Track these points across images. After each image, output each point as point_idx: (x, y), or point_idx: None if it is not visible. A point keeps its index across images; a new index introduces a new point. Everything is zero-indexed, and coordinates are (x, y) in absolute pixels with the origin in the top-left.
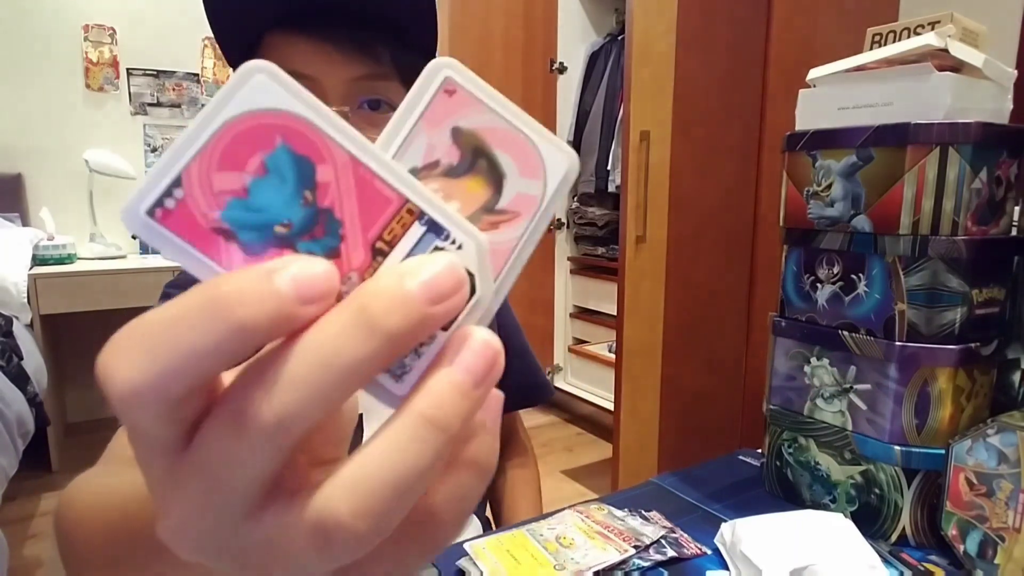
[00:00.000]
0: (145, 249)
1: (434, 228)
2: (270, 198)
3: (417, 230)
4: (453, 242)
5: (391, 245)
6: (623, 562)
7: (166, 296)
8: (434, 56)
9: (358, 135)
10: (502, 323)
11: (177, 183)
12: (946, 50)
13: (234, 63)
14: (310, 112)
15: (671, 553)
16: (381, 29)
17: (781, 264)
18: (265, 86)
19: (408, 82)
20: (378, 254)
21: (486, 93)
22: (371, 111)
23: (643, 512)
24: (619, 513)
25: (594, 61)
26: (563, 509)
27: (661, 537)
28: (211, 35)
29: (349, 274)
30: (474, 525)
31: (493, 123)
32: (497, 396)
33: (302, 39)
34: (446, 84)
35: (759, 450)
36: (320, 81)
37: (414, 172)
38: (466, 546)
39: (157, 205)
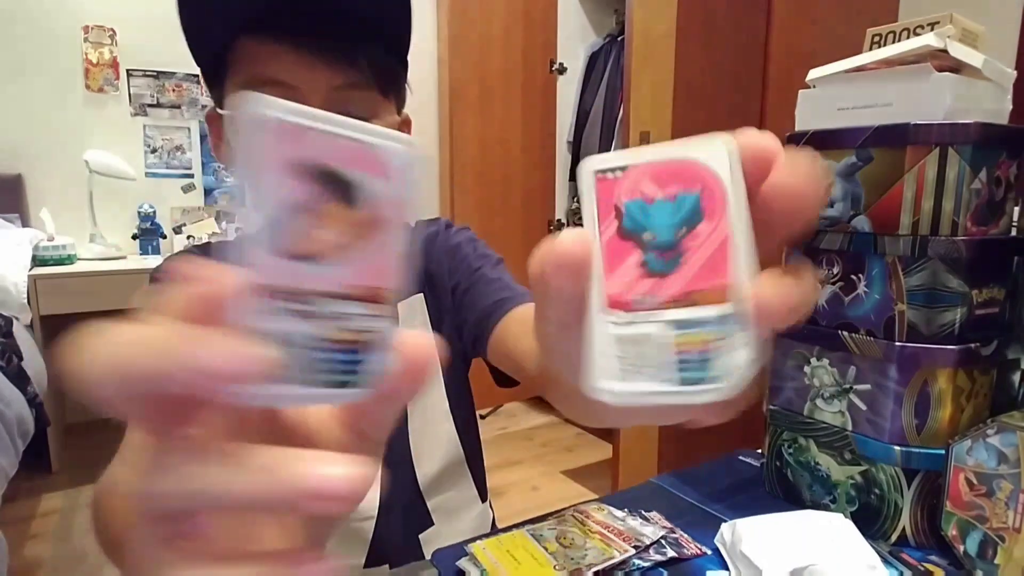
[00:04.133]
0: (145, 250)
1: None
2: (661, 215)
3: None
4: None
5: (681, 305)
6: (623, 562)
7: (154, 280)
8: (406, 59)
9: (747, 218)
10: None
11: (624, 168)
12: (946, 51)
13: (204, 67)
14: (731, 189)
15: (671, 553)
16: (359, 33)
17: (781, 264)
18: (722, 159)
19: (384, 89)
20: (679, 303)
21: (306, 116)
22: None
23: (643, 512)
24: (619, 513)
25: (594, 61)
26: (564, 509)
27: (661, 537)
28: None
29: (652, 295)
30: (478, 521)
31: (326, 142)
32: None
33: (278, 45)
34: (267, 124)
35: (759, 450)
36: (300, 90)
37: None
38: (466, 547)
39: (606, 171)
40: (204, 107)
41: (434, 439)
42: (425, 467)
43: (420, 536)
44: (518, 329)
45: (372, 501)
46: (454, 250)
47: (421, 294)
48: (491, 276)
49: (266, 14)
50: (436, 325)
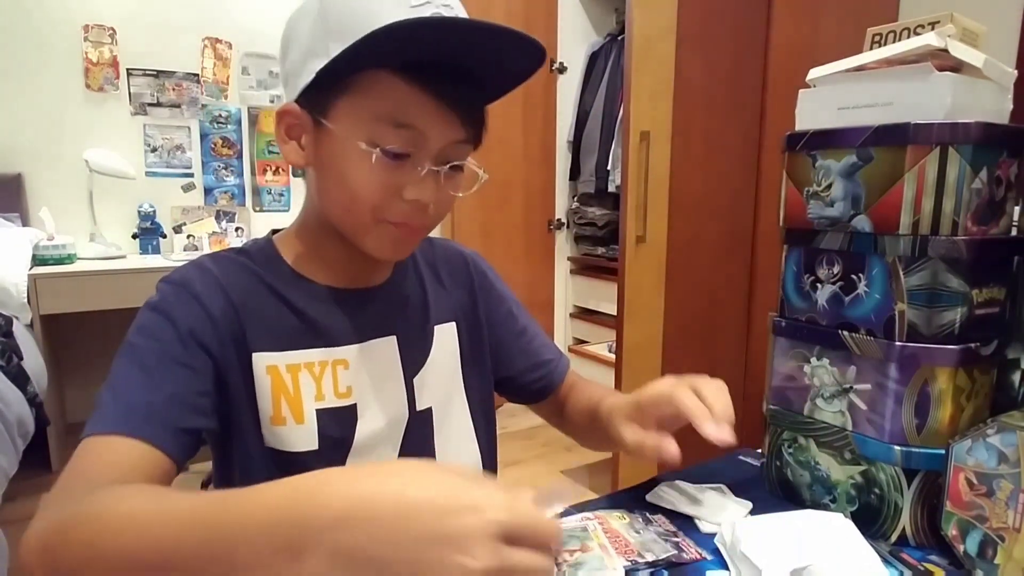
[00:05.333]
0: (145, 249)
1: None
2: None
3: None
4: None
5: None
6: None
7: (160, 292)
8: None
9: None
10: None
11: None
12: (946, 50)
13: (323, 76)
14: None
15: (672, 554)
16: (489, 95)
17: (781, 264)
18: None
19: (477, 142)
20: None
21: None
22: (452, 172)
23: (646, 515)
24: (638, 523)
25: (594, 61)
26: (581, 511)
27: (662, 539)
28: (211, 35)
29: None
30: None
31: None
32: None
33: (415, 88)
34: None
35: (759, 450)
36: (427, 136)
37: None
38: None
39: None
40: (204, 106)
41: (457, 457)
42: None
43: None
44: (567, 397)
45: None
46: (488, 284)
47: (454, 322)
48: (535, 327)
49: (422, 60)
50: (465, 352)
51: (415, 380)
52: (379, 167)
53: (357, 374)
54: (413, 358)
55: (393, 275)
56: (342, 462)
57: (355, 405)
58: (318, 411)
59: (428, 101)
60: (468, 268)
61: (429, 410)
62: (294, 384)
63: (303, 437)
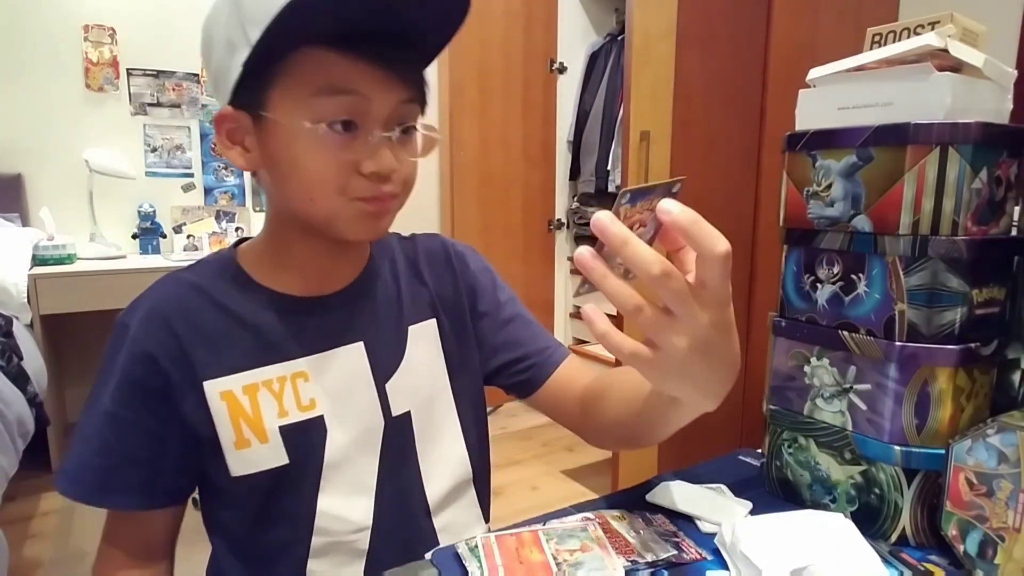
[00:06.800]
0: (145, 249)
1: None
2: None
3: None
4: None
5: None
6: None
7: (112, 334)
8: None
9: None
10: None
11: None
12: (946, 50)
13: (251, 68)
14: None
15: (672, 554)
16: (423, 53)
17: (781, 264)
18: None
19: (423, 103)
20: None
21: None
22: (403, 135)
23: (646, 515)
24: (639, 523)
25: (594, 61)
26: (581, 511)
27: (662, 539)
28: None
29: None
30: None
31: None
32: None
33: (355, 58)
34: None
35: (759, 450)
36: (375, 100)
37: None
38: (469, 542)
39: None
40: (204, 106)
41: (442, 459)
42: (435, 486)
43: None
44: (567, 386)
45: (366, 511)
46: (471, 275)
47: (434, 319)
48: (525, 317)
49: (350, 30)
50: (449, 349)
51: (388, 385)
52: (329, 143)
53: (320, 385)
54: (385, 362)
55: (363, 276)
56: (317, 475)
57: (322, 417)
58: (282, 427)
59: (363, 65)
60: (450, 260)
61: (407, 414)
62: (253, 405)
63: (270, 455)
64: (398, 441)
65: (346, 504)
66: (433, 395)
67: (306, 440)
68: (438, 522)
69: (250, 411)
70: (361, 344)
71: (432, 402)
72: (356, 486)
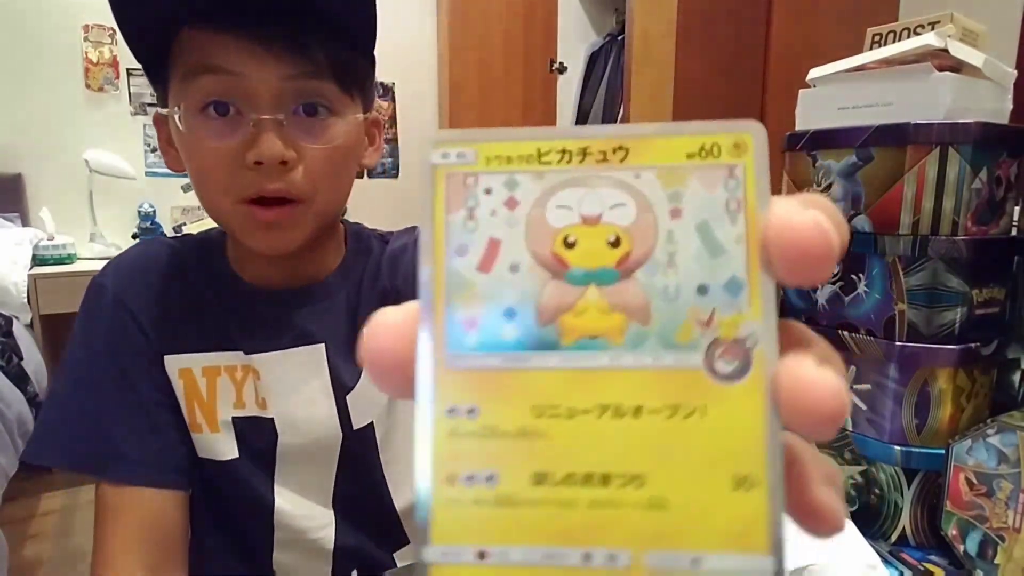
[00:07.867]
0: None
1: None
2: None
3: None
4: None
5: None
6: None
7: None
8: (372, 53)
9: None
10: None
11: None
12: (946, 50)
13: (143, 59)
14: None
15: None
16: (313, 25)
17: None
18: None
19: (344, 83)
20: None
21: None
22: (307, 116)
23: None
24: None
25: (594, 61)
26: None
27: None
28: None
29: None
30: None
31: None
32: None
33: (224, 33)
34: None
35: None
36: (249, 77)
37: None
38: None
39: None
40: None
41: (409, 467)
42: (403, 496)
43: (395, 555)
44: None
45: (325, 514)
46: None
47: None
48: None
49: (210, 4)
50: None
51: (348, 398)
52: (206, 131)
53: (274, 385)
54: (346, 370)
55: (335, 274)
56: (269, 473)
57: (272, 420)
58: (235, 419)
59: (230, 40)
60: (407, 253)
61: (370, 426)
62: (209, 389)
63: (219, 446)
64: (358, 454)
65: (304, 504)
66: (397, 402)
67: (258, 438)
68: (410, 529)
69: (205, 395)
70: (322, 346)
71: (397, 412)
72: (312, 490)
